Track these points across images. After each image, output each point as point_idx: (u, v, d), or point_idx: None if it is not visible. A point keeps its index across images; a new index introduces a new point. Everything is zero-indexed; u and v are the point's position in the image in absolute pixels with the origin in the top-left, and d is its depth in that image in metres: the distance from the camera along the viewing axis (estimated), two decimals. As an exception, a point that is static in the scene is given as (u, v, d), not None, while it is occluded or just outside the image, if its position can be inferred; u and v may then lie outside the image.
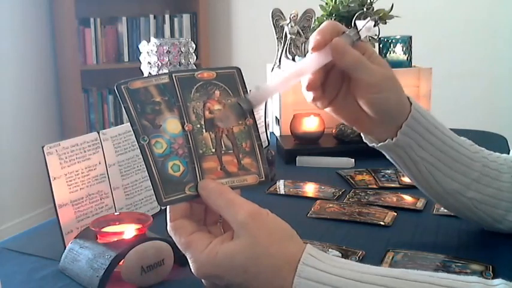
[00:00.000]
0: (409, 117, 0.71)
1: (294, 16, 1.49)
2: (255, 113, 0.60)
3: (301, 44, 1.52)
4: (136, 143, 0.56)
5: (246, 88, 0.60)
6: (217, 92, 0.59)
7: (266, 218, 0.54)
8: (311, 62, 0.66)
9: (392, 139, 0.72)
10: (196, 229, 0.56)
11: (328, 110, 0.73)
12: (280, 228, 0.55)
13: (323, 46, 0.66)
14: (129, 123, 0.57)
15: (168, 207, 0.56)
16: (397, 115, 0.71)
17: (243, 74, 0.61)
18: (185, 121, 0.57)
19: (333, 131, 1.34)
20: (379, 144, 0.74)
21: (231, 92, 0.59)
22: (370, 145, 0.76)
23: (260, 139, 0.59)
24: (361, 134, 0.76)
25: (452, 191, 0.75)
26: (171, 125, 0.57)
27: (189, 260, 0.55)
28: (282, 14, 1.53)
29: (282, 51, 1.53)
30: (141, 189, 0.90)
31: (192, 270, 0.54)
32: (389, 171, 1.17)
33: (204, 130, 0.57)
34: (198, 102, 0.58)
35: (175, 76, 0.58)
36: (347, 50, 0.65)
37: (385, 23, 1.40)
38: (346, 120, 0.74)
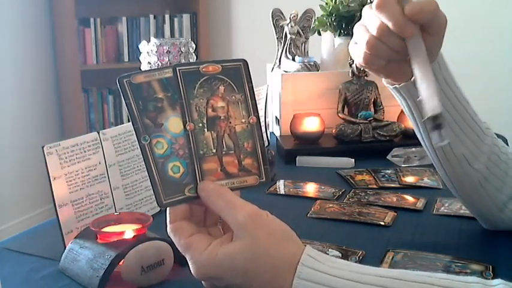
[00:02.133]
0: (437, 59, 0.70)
1: (294, 16, 1.49)
2: (258, 111, 0.59)
3: (301, 44, 1.52)
4: (136, 142, 0.55)
5: (251, 82, 0.58)
6: (221, 88, 0.57)
7: (266, 220, 0.54)
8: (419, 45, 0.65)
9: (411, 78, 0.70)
10: (196, 231, 0.56)
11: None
12: (280, 229, 0.55)
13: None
14: (129, 122, 0.56)
15: (167, 208, 0.56)
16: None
17: None
18: (187, 119, 0.56)
19: (333, 131, 1.34)
20: (401, 85, 0.73)
21: (236, 88, 0.58)
22: (392, 87, 0.75)
23: (262, 138, 0.59)
24: (382, 80, 0.76)
25: (461, 156, 0.75)
26: (173, 124, 0.56)
27: (188, 261, 0.55)
28: (282, 14, 1.53)
29: (282, 51, 1.53)
30: (141, 189, 0.90)
31: (192, 271, 0.54)
32: (389, 171, 1.17)
33: (205, 129, 0.57)
34: (201, 99, 0.57)
35: (179, 70, 0.56)
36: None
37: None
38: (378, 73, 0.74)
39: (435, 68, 0.71)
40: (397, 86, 0.74)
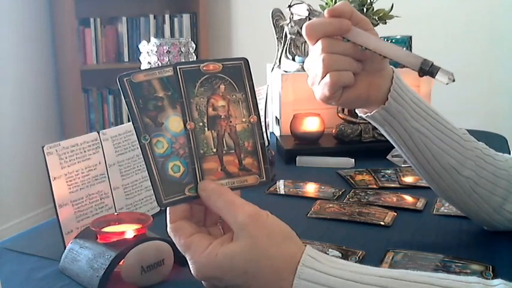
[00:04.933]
0: (393, 83, 0.73)
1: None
2: (259, 111, 0.59)
3: (301, 44, 1.52)
4: (136, 142, 0.55)
5: (252, 81, 0.58)
6: (222, 87, 0.57)
7: (266, 220, 0.54)
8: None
9: (384, 104, 0.73)
10: (196, 230, 0.56)
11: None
12: (280, 229, 0.55)
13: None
14: (129, 122, 0.56)
15: (168, 208, 0.56)
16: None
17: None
18: (187, 119, 0.56)
19: (333, 131, 1.34)
20: (373, 112, 0.75)
21: (237, 87, 0.58)
22: (365, 116, 0.77)
23: (263, 138, 0.58)
24: (356, 110, 0.79)
25: (448, 167, 0.76)
26: (173, 123, 0.56)
27: (188, 261, 0.55)
28: (282, 14, 1.53)
29: (282, 51, 1.53)
30: (141, 189, 0.90)
31: (192, 271, 0.54)
32: (389, 171, 1.17)
33: (206, 128, 0.57)
34: (201, 98, 0.56)
35: (179, 69, 0.56)
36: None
37: (385, 23, 1.40)
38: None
39: (399, 92, 0.74)
40: (369, 114, 0.76)
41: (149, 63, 1.08)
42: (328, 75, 0.69)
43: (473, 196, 0.78)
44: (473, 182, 0.77)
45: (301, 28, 1.50)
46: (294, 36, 1.50)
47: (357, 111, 0.79)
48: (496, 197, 0.77)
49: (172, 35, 3.31)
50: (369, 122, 1.31)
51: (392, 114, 0.74)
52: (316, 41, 0.70)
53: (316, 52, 0.70)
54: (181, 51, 1.08)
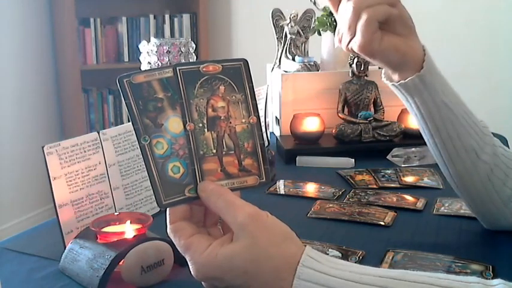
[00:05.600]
0: (426, 55, 0.73)
1: (294, 16, 1.49)
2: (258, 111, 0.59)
3: (301, 44, 1.52)
4: (137, 142, 0.55)
5: (252, 82, 0.58)
6: (221, 88, 0.57)
7: (265, 220, 0.54)
8: None
9: (420, 71, 0.72)
10: (196, 231, 0.56)
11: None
12: (280, 230, 0.55)
13: None
14: (129, 122, 0.56)
15: (167, 209, 0.56)
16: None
17: None
18: (187, 120, 0.56)
19: (333, 131, 1.34)
20: (407, 79, 0.73)
21: (236, 87, 0.57)
22: (397, 84, 0.75)
23: (263, 138, 0.58)
24: (383, 76, 0.78)
25: (470, 148, 0.76)
26: (173, 124, 0.56)
27: (188, 262, 0.55)
28: (282, 14, 1.53)
29: (282, 51, 1.53)
30: (141, 189, 0.90)
31: (192, 272, 0.54)
32: (389, 171, 1.17)
33: (206, 129, 0.57)
34: (201, 99, 0.56)
35: (179, 70, 0.56)
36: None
37: (385, 23, 1.40)
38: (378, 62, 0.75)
39: (431, 63, 0.73)
40: (402, 81, 0.74)
41: (149, 63, 1.08)
42: (362, 14, 0.67)
43: (487, 184, 0.78)
44: (490, 168, 0.77)
45: (301, 28, 1.51)
46: (294, 36, 1.50)
47: (384, 80, 0.77)
48: (507, 189, 0.78)
49: (172, 35, 3.31)
50: (369, 122, 1.33)
51: (425, 84, 0.73)
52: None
53: (343, 6, 0.69)
54: (181, 51, 1.08)
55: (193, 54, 1.11)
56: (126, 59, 3.26)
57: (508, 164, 0.78)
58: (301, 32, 1.51)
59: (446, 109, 0.74)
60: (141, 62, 1.10)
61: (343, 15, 0.69)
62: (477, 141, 0.76)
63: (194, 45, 1.12)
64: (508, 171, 0.78)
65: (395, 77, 0.75)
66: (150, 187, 0.55)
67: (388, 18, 0.68)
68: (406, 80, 0.73)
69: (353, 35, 0.69)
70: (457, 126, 0.75)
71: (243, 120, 0.58)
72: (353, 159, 1.24)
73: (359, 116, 1.36)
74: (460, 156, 0.77)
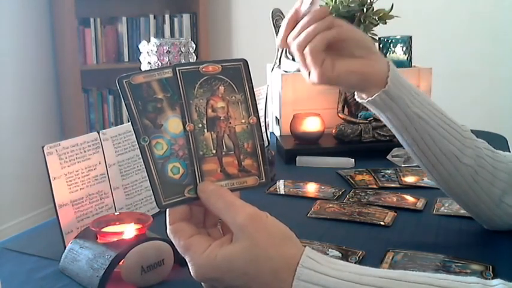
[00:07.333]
0: (390, 71, 0.75)
1: (294, 16, 1.49)
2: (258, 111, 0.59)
3: (301, 44, 1.52)
4: (136, 143, 0.55)
5: (251, 82, 0.58)
6: (221, 88, 0.57)
7: (265, 221, 0.54)
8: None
9: (384, 87, 0.75)
10: (196, 232, 0.56)
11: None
12: (279, 231, 0.55)
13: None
14: (129, 122, 0.56)
15: (167, 209, 0.56)
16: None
17: None
18: (187, 120, 0.56)
19: (333, 131, 1.34)
20: (374, 96, 0.76)
21: (236, 88, 0.57)
22: (366, 102, 0.78)
23: (262, 139, 0.58)
24: (356, 94, 0.80)
25: (449, 154, 0.77)
26: (173, 124, 0.56)
27: (188, 263, 0.55)
28: (282, 14, 1.53)
29: (282, 51, 1.53)
30: (141, 189, 0.90)
31: (192, 273, 0.54)
32: (389, 171, 1.17)
33: (205, 130, 0.56)
34: (201, 100, 0.56)
35: (179, 70, 0.56)
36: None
37: (385, 23, 1.40)
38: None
39: (397, 77, 0.76)
40: (370, 98, 0.77)
41: (149, 63, 1.08)
42: (305, 50, 0.72)
43: (473, 186, 0.78)
44: (474, 170, 0.78)
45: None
46: (294, 36, 1.50)
47: (357, 98, 0.80)
48: (496, 189, 0.78)
49: (172, 35, 3.31)
50: (369, 122, 1.33)
51: (392, 99, 0.75)
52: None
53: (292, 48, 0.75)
54: (181, 51, 1.08)
55: (193, 54, 1.11)
56: (126, 59, 3.26)
57: (494, 165, 0.79)
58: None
59: (420, 120, 0.76)
60: (141, 62, 1.10)
61: (295, 56, 0.74)
62: (457, 146, 0.77)
63: (194, 45, 1.12)
64: (494, 172, 0.78)
65: (364, 95, 0.78)
66: (150, 188, 0.55)
67: (331, 42, 0.73)
68: (373, 97, 0.76)
69: (309, 71, 0.74)
70: (433, 135, 0.77)
71: (243, 121, 0.57)
72: (353, 159, 1.24)
73: (359, 116, 1.36)
74: (441, 163, 0.78)
